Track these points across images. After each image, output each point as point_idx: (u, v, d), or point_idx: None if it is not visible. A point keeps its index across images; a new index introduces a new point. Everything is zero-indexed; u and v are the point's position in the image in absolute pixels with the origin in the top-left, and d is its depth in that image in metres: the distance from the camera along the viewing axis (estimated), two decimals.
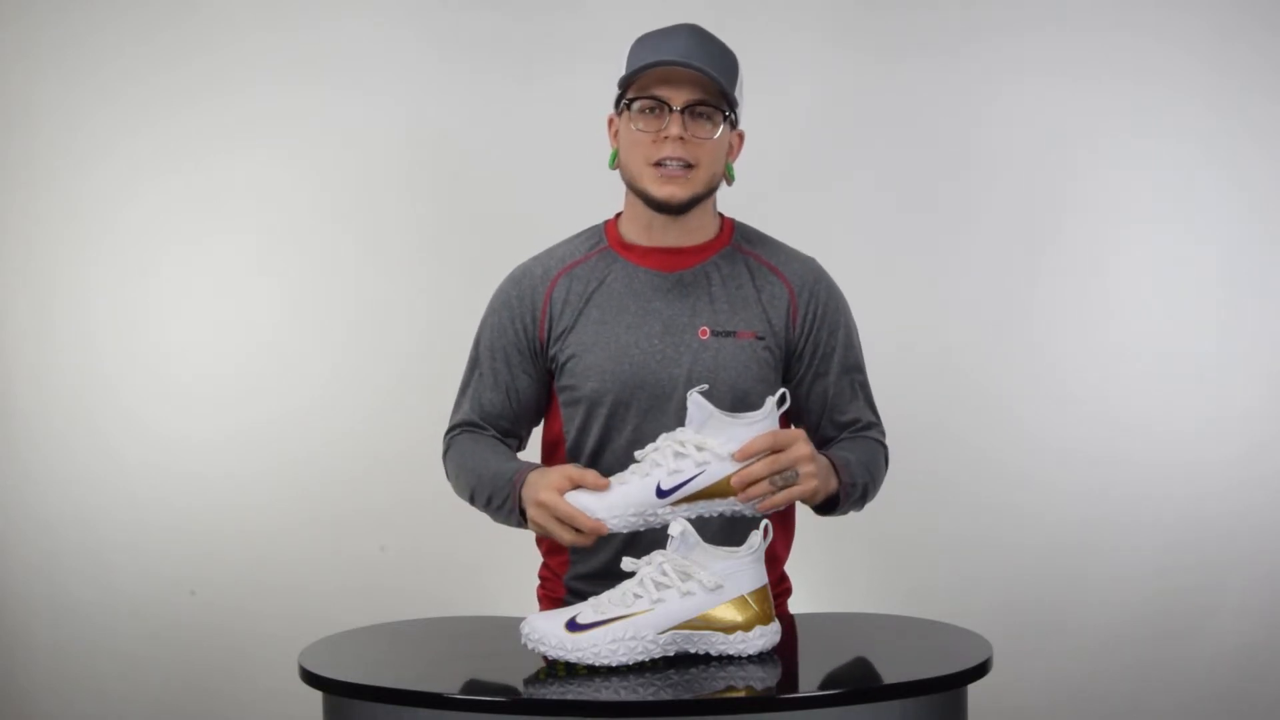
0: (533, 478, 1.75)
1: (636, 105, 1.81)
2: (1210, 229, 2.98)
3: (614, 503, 1.64)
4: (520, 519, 1.79)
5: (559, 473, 1.69)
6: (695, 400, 1.63)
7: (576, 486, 1.67)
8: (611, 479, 1.67)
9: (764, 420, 1.64)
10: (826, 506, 1.80)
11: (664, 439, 1.65)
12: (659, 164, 1.80)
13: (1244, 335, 2.97)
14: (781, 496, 1.65)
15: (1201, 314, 2.99)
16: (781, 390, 1.66)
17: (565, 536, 1.68)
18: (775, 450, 1.64)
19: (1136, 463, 2.97)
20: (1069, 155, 3.00)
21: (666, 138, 1.79)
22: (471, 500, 1.88)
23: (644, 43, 1.84)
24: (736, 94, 1.84)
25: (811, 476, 1.67)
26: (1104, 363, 2.99)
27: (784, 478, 1.64)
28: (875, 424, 1.95)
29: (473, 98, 3.05)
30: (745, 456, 1.62)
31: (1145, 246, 3.00)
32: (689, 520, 1.63)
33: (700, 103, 1.80)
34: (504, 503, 1.80)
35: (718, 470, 1.62)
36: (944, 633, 1.78)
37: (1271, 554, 2.94)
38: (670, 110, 1.79)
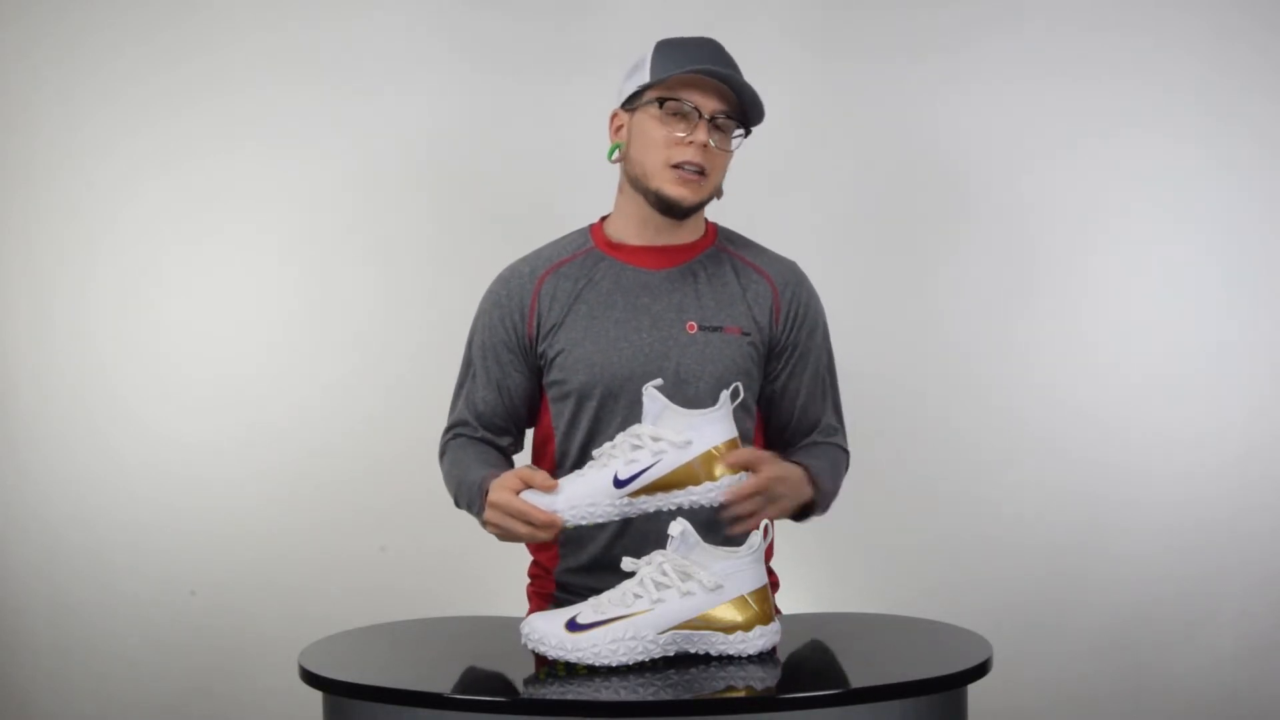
0: (494, 481, 1.76)
1: (667, 105, 1.85)
2: (1210, 230, 2.98)
3: (571, 494, 1.65)
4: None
5: (513, 473, 1.72)
6: (650, 394, 1.65)
7: (527, 485, 1.69)
8: (569, 475, 1.69)
9: (719, 413, 1.65)
10: (799, 514, 1.85)
11: (620, 435, 1.67)
12: (677, 166, 1.85)
13: (1244, 338, 2.96)
14: (769, 513, 1.72)
15: (1201, 316, 2.98)
16: (735, 384, 1.69)
17: (520, 531, 1.68)
18: (751, 468, 1.68)
19: (1136, 464, 2.97)
20: (1067, 156, 2.99)
21: (691, 143, 1.84)
22: (456, 505, 1.91)
23: (673, 46, 1.89)
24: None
25: (783, 497, 1.74)
26: (1103, 364, 2.98)
27: (765, 498, 1.69)
28: (839, 430, 1.99)
29: (474, 99, 3.05)
30: (735, 499, 1.66)
31: (1144, 247, 2.99)
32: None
33: (724, 114, 1.86)
34: (476, 509, 1.81)
35: (674, 459, 1.63)
36: (944, 633, 1.78)
37: (1271, 556, 2.94)
38: (700, 117, 1.84)
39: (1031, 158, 3.00)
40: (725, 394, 1.67)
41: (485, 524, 1.75)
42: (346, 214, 3.07)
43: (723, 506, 1.67)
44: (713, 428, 1.65)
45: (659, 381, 1.67)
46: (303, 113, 3.05)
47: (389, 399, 3.03)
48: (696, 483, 1.64)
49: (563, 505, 1.65)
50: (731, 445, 1.66)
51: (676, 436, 1.63)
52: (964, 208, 3.02)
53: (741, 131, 1.89)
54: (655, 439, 1.63)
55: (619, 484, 1.63)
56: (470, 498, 1.82)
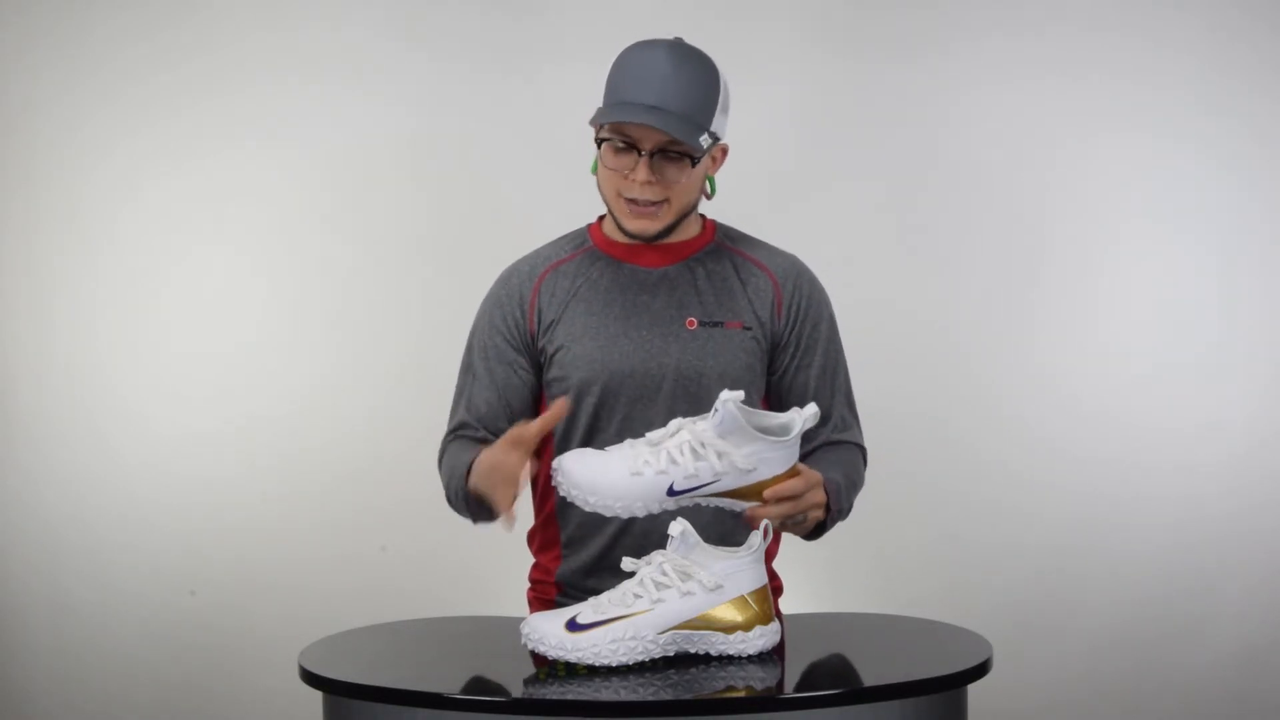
0: (484, 455, 1.74)
1: (605, 145, 1.81)
2: (1209, 229, 2.98)
3: (623, 492, 1.60)
4: (472, 507, 1.78)
5: (506, 438, 1.69)
6: (728, 409, 1.57)
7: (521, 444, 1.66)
8: (623, 457, 1.62)
9: (789, 444, 1.61)
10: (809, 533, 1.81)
11: (685, 429, 1.60)
12: (630, 200, 1.82)
13: (1244, 336, 2.97)
14: (788, 528, 1.69)
15: (1201, 314, 2.99)
16: (812, 408, 1.62)
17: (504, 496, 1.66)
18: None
19: (1136, 463, 2.97)
20: (1067, 155, 3.00)
21: (635, 180, 1.80)
22: (450, 505, 1.87)
23: (621, 70, 1.82)
24: (716, 118, 1.82)
25: (814, 521, 1.71)
26: (1104, 363, 2.99)
27: (794, 520, 1.66)
28: (853, 425, 1.96)
29: (472, 98, 3.05)
30: (776, 498, 1.62)
31: (1144, 246, 3.00)
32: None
33: (670, 144, 1.79)
34: (459, 492, 1.79)
35: (731, 482, 1.60)
36: (944, 633, 1.78)
37: (1271, 555, 2.94)
38: (640, 154, 1.79)
39: (1032, 157, 3.01)
40: (802, 419, 1.61)
41: (474, 480, 1.72)
42: (346, 212, 3.07)
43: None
44: (780, 458, 1.61)
45: (740, 395, 1.59)
46: (302, 112, 3.05)
47: (389, 398, 3.03)
48: (745, 499, 1.63)
49: (613, 500, 1.60)
50: (791, 473, 1.63)
51: (743, 463, 1.59)
52: (964, 206, 3.02)
53: (706, 143, 1.81)
54: (720, 455, 1.59)
55: (673, 493, 1.60)
56: (457, 482, 1.80)
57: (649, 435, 1.63)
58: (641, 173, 1.79)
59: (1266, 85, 2.95)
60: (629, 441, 1.64)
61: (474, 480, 1.74)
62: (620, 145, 1.80)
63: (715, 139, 1.83)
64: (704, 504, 1.63)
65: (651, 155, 1.78)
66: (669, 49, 1.82)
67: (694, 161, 1.81)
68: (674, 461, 1.59)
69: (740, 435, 1.59)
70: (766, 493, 1.61)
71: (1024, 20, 3.00)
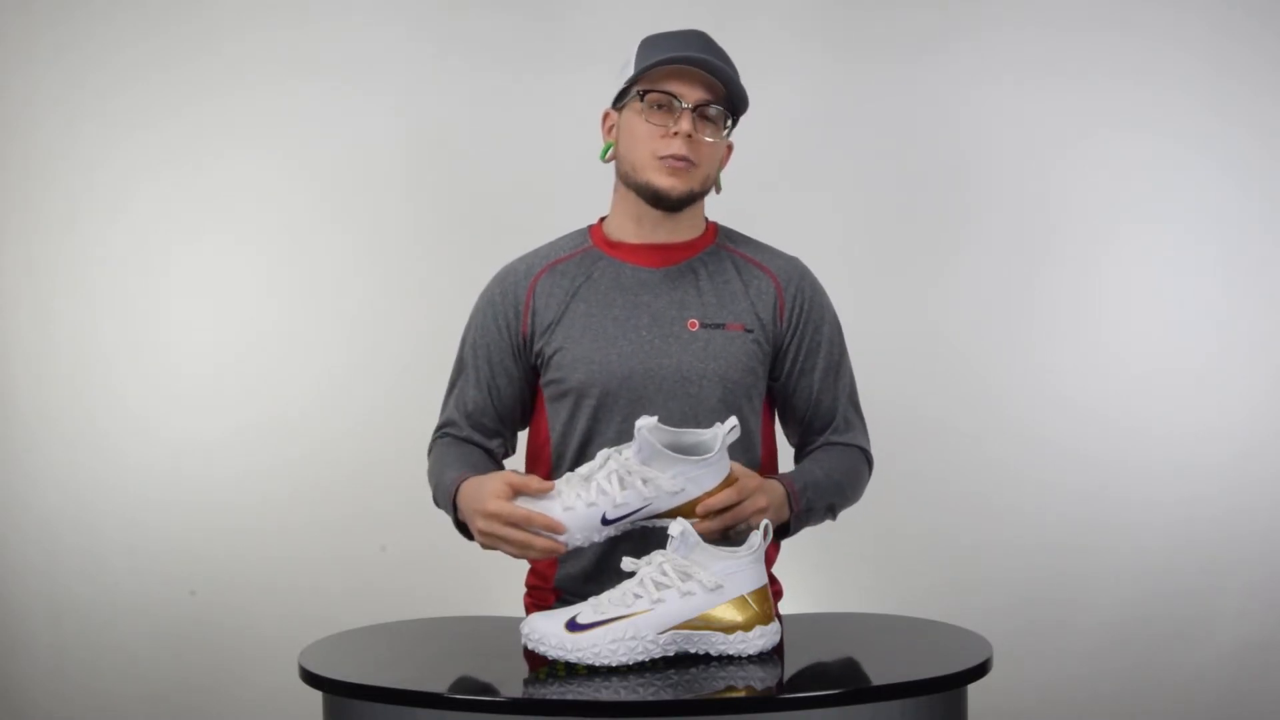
0: (468, 488, 1.74)
1: (648, 98, 1.83)
2: (1209, 229, 2.99)
3: (566, 524, 1.64)
4: (461, 531, 1.81)
5: (499, 479, 1.68)
6: (642, 435, 1.60)
7: (517, 493, 1.66)
8: (556, 489, 1.65)
9: (714, 461, 1.63)
10: (778, 531, 1.81)
11: (611, 460, 1.63)
12: (663, 159, 1.83)
13: (1243, 336, 2.97)
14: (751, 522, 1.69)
15: (1201, 315, 2.99)
16: (731, 421, 1.63)
17: (516, 540, 1.65)
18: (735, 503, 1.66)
19: (1136, 463, 2.97)
20: (1067, 155, 3.00)
21: (675, 134, 1.81)
22: (436, 505, 1.89)
23: (656, 41, 1.87)
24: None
25: (760, 521, 1.69)
26: (1104, 363, 2.99)
27: (736, 531, 1.68)
28: (857, 426, 1.96)
29: (472, 98, 3.05)
30: (706, 512, 1.64)
31: (1144, 247, 3.00)
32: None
33: (709, 103, 1.83)
34: (448, 509, 1.82)
35: (662, 505, 1.63)
36: (943, 633, 1.78)
37: (1271, 556, 2.94)
38: (681, 107, 1.82)
39: (1028, 158, 3.01)
40: (722, 434, 1.63)
41: (477, 535, 1.72)
42: (346, 212, 3.07)
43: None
44: (708, 475, 1.63)
45: (653, 422, 1.62)
46: (302, 112, 3.05)
47: (389, 399, 3.03)
48: (686, 516, 1.64)
49: (563, 537, 1.64)
50: (725, 484, 1.65)
51: (670, 484, 1.62)
52: (965, 207, 3.03)
53: (729, 121, 1.87)
54: (645, 481, 1.62)
55: (607, 522, 1.63)
56: (443, 499, 1.82)
57: (579, 470, 1.66)
58: (685, 124, 1.81)
59: (1267, 85, 2.95)
60: (566, 476, 1.67)
61: (465, 513, 1.75)
62: (663, 100, 1.82)
63: (735, 123, 1.88)
64: (649, 525, 1.65)
65: (693, 110, 1.82)
66: (700, 31, 1.89)
67: (727, 122, 1.85)
68: (603, 492, 1.63)
69: (662, 460, 1.62)
70: (699, 508, 1.64)
71: (1024, 20, 3.00)
